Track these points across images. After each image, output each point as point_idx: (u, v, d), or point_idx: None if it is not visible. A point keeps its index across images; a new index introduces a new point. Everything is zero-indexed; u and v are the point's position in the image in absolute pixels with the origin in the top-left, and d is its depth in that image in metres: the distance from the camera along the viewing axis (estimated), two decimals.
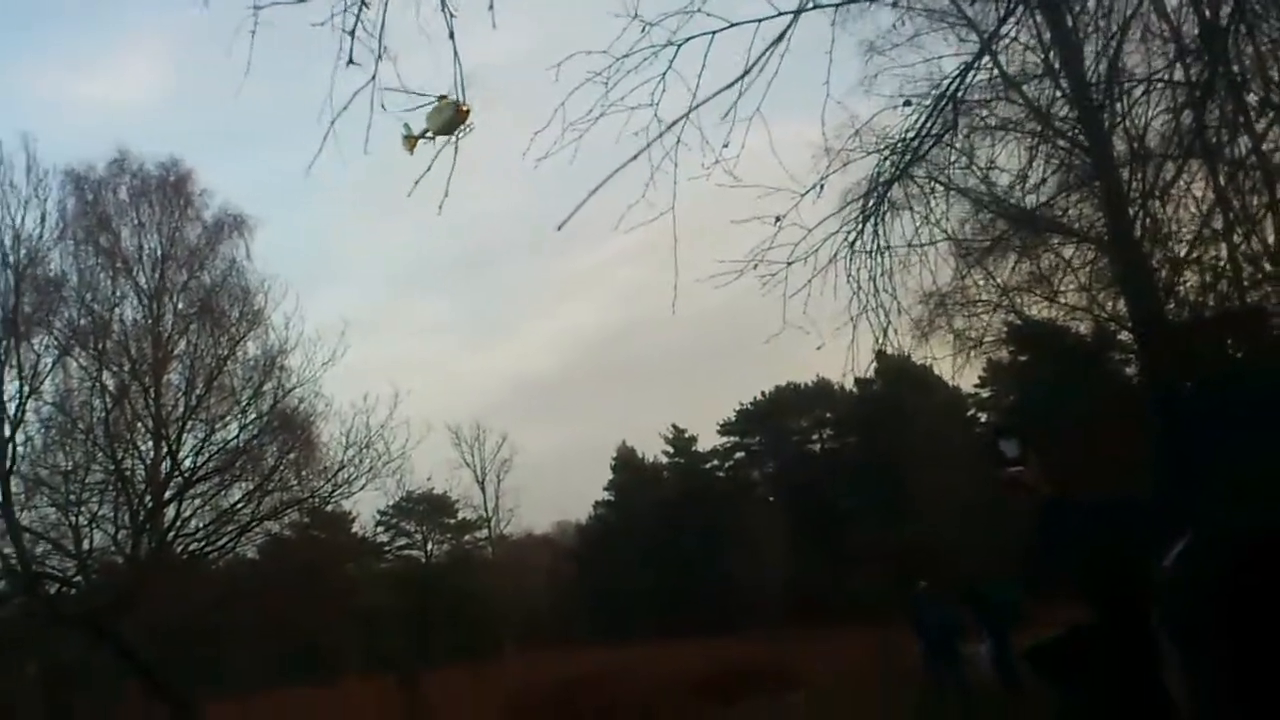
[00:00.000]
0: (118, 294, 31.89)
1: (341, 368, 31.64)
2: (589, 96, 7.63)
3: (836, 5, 7.39)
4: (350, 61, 6.30)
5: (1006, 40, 13.09)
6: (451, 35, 6.52)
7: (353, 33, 6.32)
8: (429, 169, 6.83)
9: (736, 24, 7.61)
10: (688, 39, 7.78)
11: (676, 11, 7.74)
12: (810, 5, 6.55)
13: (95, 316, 31.09)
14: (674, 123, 6.51)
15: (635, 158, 5.85)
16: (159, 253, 32.25)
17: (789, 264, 10.36)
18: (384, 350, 72.88)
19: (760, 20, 7.37)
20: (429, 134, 7.07)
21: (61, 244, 31.08)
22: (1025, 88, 18.96)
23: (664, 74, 7.81)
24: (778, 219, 9.85)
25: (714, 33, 7.74)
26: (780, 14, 7.12)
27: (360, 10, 6.37)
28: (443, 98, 6.87)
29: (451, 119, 6.95)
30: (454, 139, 6.95)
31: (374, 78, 6.40)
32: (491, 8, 6.35)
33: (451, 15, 6.42)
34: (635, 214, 8.08)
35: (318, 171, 6.45)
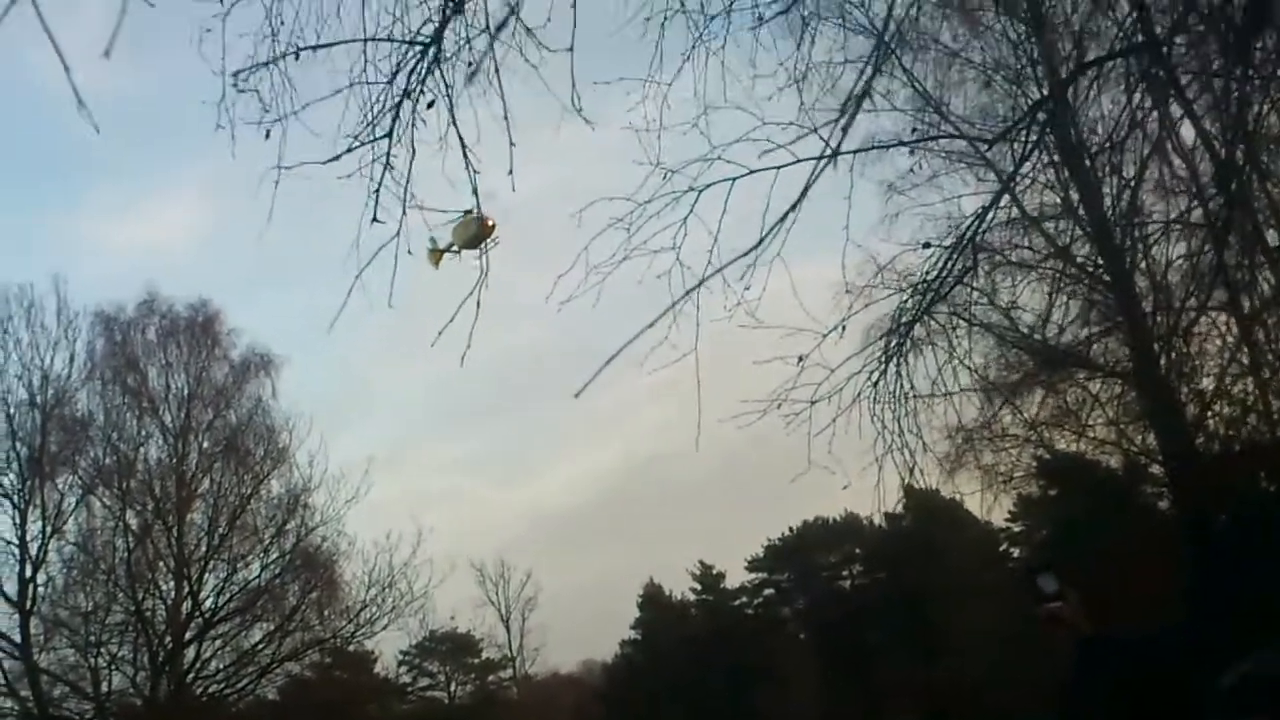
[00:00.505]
0: (143, 433, 32.15)
1: (365, 505, 31.62)
2: (612, 241, 7.75)
3: (855, 152, 7.44)
4: (375, 220, 6.35)
5: (1025, 180, 13.17)
6: (475, 191, 6.57)
7: (377, 191, 6.38)
8: (452, 320, 6.77)
9: (755, 171, 7.70)
10: (708, 185, 7.96)
11: (697, 159, 7.94)
12: (829, 153, 6.57)
13: (120, 456, 31.25)
14: (695, 285, 6.47)
15: (653, 324, 5.84)
16: (185, 392, 32.51)
17: (812, 403, 10.36)
18: (407, 487, 72.71)
19: (780, 167, 7.41)
20: (455, 248, 7.06)
21: (89, 384, 31.55)
22: (1045, 226, 19.04)
23: (685, 219, 7.93)
24: (800, 359, 9.86)
25: (734, 179, 7.88)
26: (798, 160, 7.12)
27: (385, 170, 6.41)
28: (468, 212, 6.87)
29: (477, 233, 6.92)
30: (480, 252, 6.91)
31: (399, 231, 6.41)
32: (511, 173, 6.37)
33: (476, 172, 6.47)
34: (658, 355, 8.14)
35: (337, 303, 6.36)
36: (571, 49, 6.27)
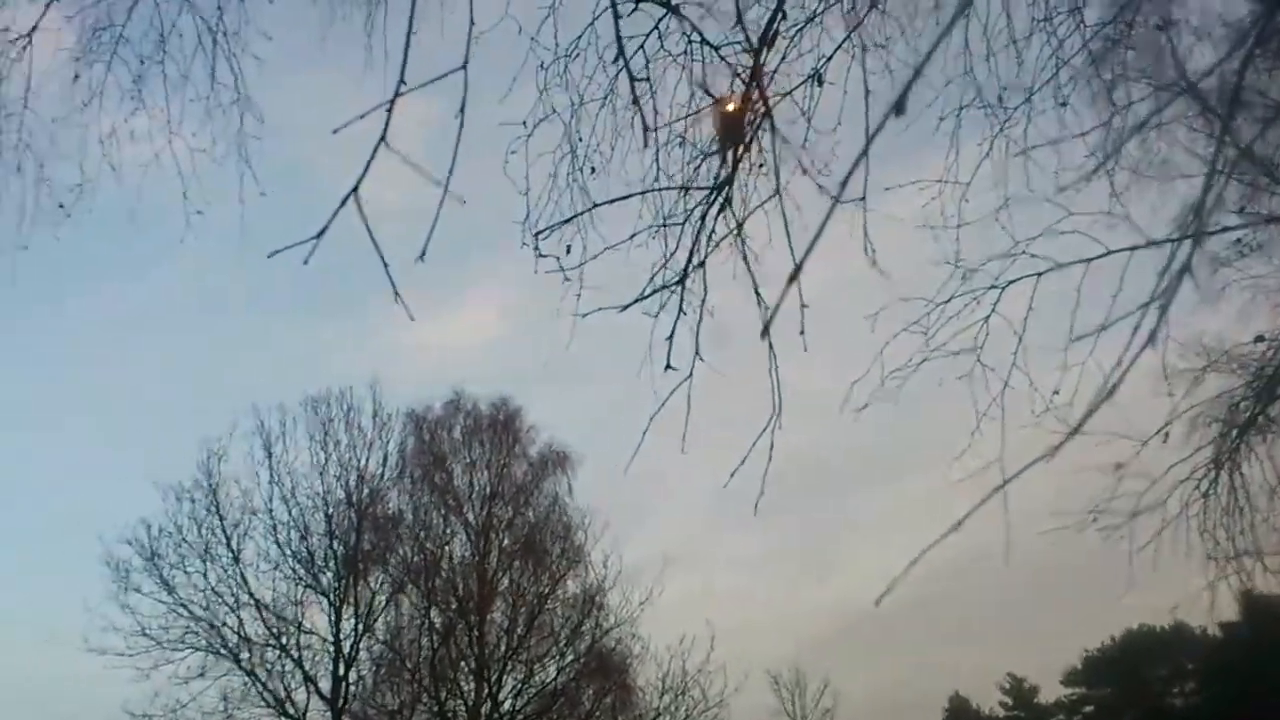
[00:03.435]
0: (448, 531, 33.06)
1: (658, 605, 31.26)
2: (908, 343, 7.57)
3: (1174, 241, 6.51)
4: (669, 367, 6.25)
5: None
6: (766, 327, 6.29)
7: (670, 338, 6.28)
8: (743, 461, 6.39)
9: (1062, 265, 7.01)
10: (1010, 282, 7.71)
11: (999, 255, 7.69)
12: (1145, 244, 5.90)
13: (427, 553, 32.24)
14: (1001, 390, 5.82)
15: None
16: (488, 490, 33.27)
17: (1134, 515, 9.58)
18: (700, 586, 71.99)
19: (1089, 260, 6.74)
20: None
21: (400, 483, 32.85)
22: None
23: (987, 318, 7.73)
24: (1118, 467, 9.12)
25: (1039, 274, 7.35)
26: (1109, 252, 6.47)
27: (679, 316, 6.32)
28: None
29: None
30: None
31: (690, 375, 6.24)
32: (804, 306, 5.95)
33: (768, 308, 6.15)
34: (966, 460, 7.67)
35: (636, 404, 6.33)
36: (865, 154, 5.96)
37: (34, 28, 7.44)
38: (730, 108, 6.32)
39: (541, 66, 6.51)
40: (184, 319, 40.66)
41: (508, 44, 6.31)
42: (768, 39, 6.08)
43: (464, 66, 4.56)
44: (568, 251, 6.53)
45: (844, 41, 6.14)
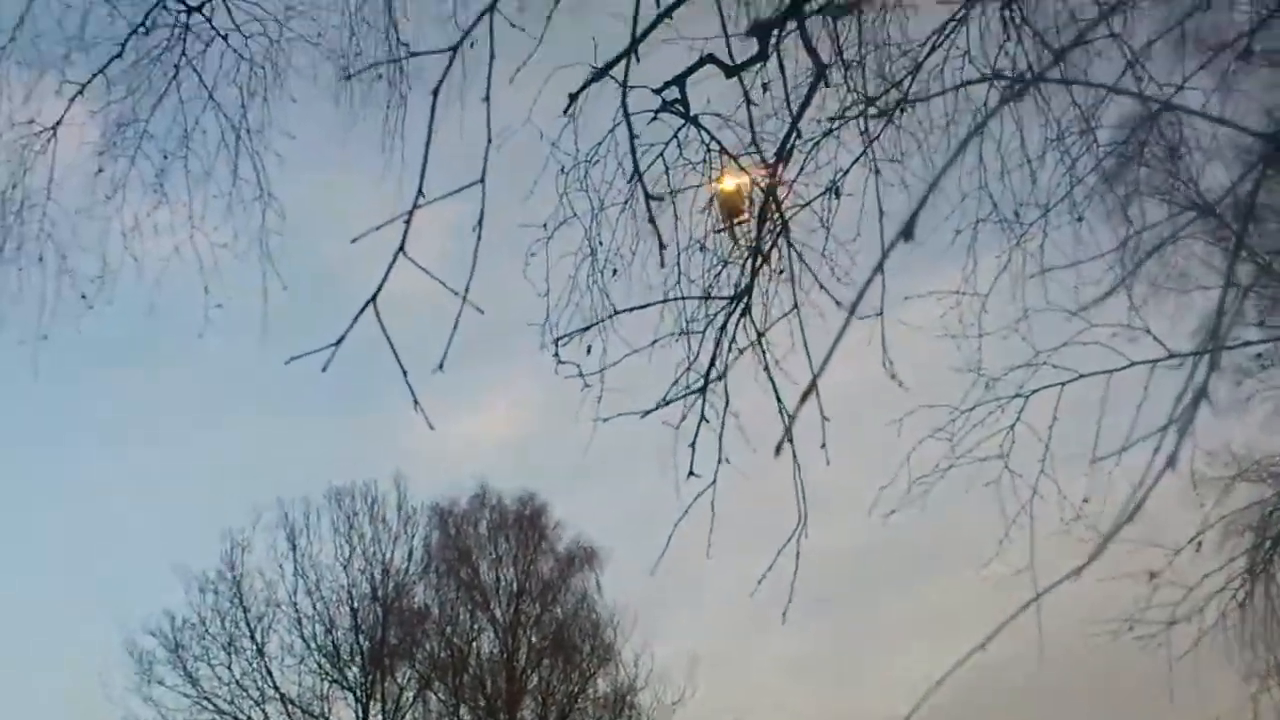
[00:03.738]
0: (475, 627, 32.77)
1: (690, 706, 30.74)
2: (936, 450, 7.69)
3: (1194, 355, 6.50)
4: (691, 474, 6.23)
5: None
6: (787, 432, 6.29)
7: (693, 445, 6.25)
8: (769, 569, 6.38)
9: (1085, 375, 6.97)
10: (1034, 391, 7.74)
11: (1022, 365, 7.69)
12: (1166, 357, 5.93)
13: (454, 649, 31.95)
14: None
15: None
16: (515, 586, 32.99)
17: (1170, 625, 9.46)
18: (733, 687, 70.86)
19: (1111, 371, 6.71)
20: None
21: (426, 577, 32.63)
22: None
23: (1012, 425, 7.70)
24: (1152, 576, 9.04)
25: (1063, 384, 7.32)
26: (1132, 364, 6.48)
27: (700, 423, 6.30)
28: None
29: None
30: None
31: (714, 482, 6.21)
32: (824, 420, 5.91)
33: (790, 416, 6.20)
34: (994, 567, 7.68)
35: (663, 498, 6.29)
36: (880, 270, 5.99)
37: (59, 121, 7.56)
38: (726, 186, 6.37)
39: (562, 171, 6.55)
40: (204, 411, 41.01)
41: (528, 147, 6.37)
42: (784, 154, 6.12)
43: (481, 180, 4.59)
44: (588, 352, 6.54)
45: (860, 156, 6.17)
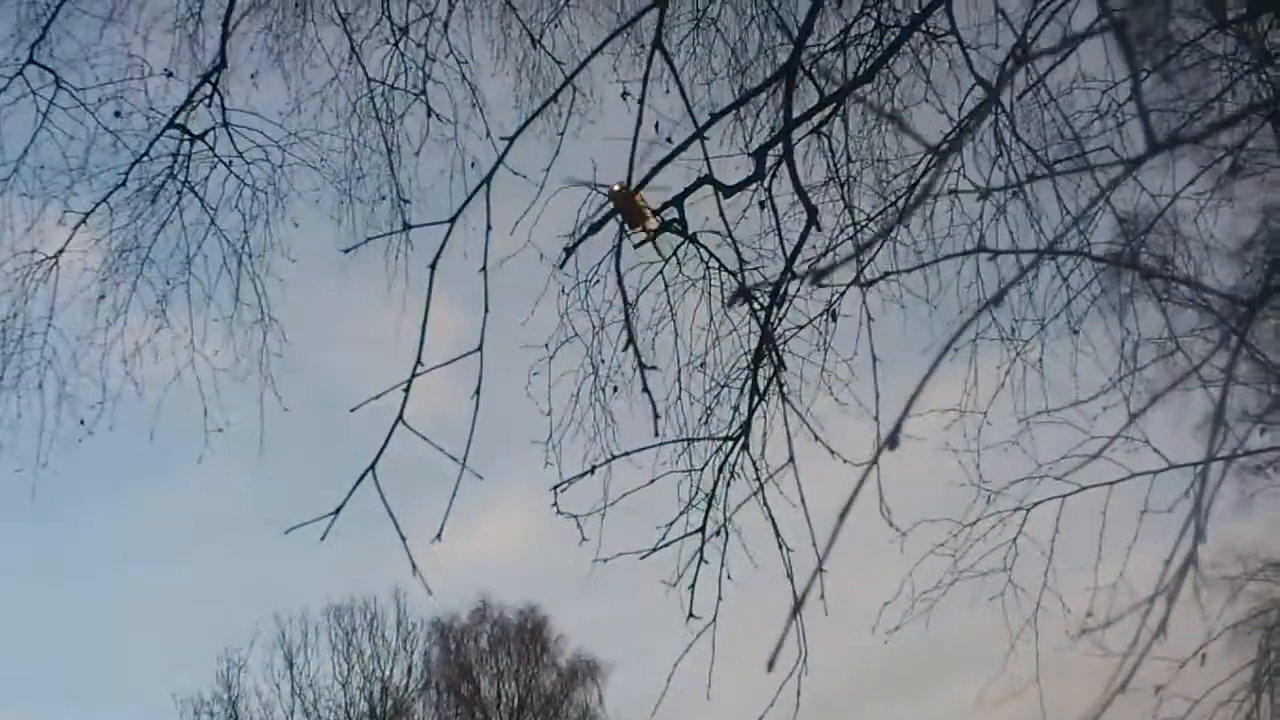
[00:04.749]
0: None
1: None
2: (938, 565, 7.53)
3: (1198, 464, 6.53)
4: (690, 615, 6.24)
5: None
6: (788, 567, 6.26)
7: (692, 587, 6.25)
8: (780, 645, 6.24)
9: (1086, 488, 6.99)
10: (1036, 504, 7.60)
11: (1023, 478, 7.58)
12: (1166, 467, 5.96)
13: None
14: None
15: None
16: (516, 702, 32.47)
17: None
18: None
19: (1112, 483, 6.73)
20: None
21: (425, 694, 32.10)
22: None
23: (1015, 539, 7.62)
24: (1158, 690, 8.87)
25: (1064, 496, 7.32)
26: (1133, 475, 6.51)
27: (700, 564, 6.31)
28: None
29: None
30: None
31: (715, 619, 6.21)
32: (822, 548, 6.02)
33: (789, 551, 6.16)
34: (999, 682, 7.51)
35: (667, 609, 6.26)
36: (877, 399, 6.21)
37: (61, 250, 7.67)
38: (616, 187, 6.40)
39: (563, 291, 6.61)
40: (202, 527, 40.78)
41: (529, 267, 6.46)
42: (778, 298, 6.24)
43: (479, 349, 4.66)
44: (592, 472, 6.46)
45: (852, 283, 6.26)
